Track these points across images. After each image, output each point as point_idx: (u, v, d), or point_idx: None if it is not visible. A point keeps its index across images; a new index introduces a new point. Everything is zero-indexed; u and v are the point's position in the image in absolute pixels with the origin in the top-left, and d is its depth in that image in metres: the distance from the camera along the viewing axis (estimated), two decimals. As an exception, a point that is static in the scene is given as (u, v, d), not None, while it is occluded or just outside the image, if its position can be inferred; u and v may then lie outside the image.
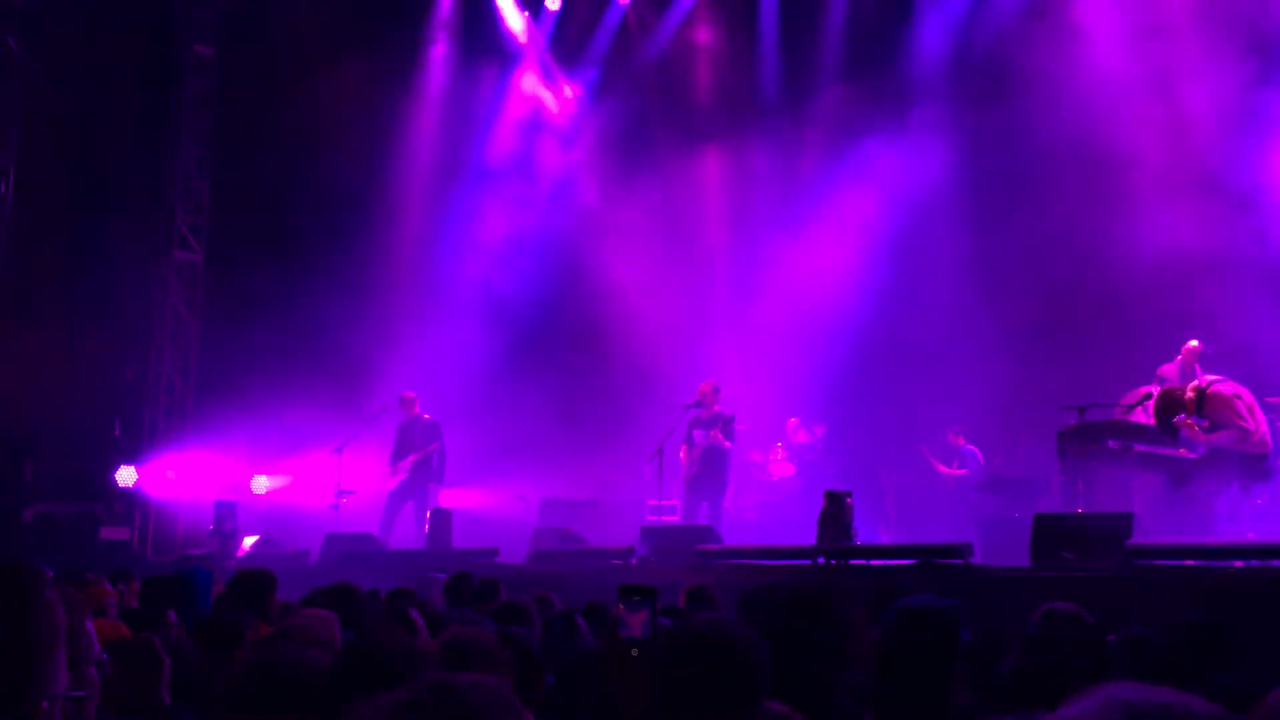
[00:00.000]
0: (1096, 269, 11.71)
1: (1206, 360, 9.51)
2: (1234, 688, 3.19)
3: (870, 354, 13.07)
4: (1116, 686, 1.32)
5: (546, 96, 16.52)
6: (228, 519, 12.39)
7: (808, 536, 7.93)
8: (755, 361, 13.30)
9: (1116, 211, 11.37)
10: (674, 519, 11.36)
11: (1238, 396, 8.25)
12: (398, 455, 12.21)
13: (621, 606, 2.54)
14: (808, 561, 7.71)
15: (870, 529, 11.13)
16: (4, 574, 2.02)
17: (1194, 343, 9.77)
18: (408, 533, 11.91)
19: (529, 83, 16.48)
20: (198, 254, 15.49)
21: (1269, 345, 9.75)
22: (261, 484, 14.23)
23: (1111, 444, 8.47)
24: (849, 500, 7.84)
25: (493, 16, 16.31)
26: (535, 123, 16.38)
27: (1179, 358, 9.81)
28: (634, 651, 2.54)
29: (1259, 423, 8.30)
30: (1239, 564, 6.01)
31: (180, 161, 15.39)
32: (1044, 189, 12.26)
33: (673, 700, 2.28)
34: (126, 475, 14.15)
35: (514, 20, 16.36)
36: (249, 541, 11.86)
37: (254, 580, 5.14)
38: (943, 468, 12.58)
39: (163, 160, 15.37)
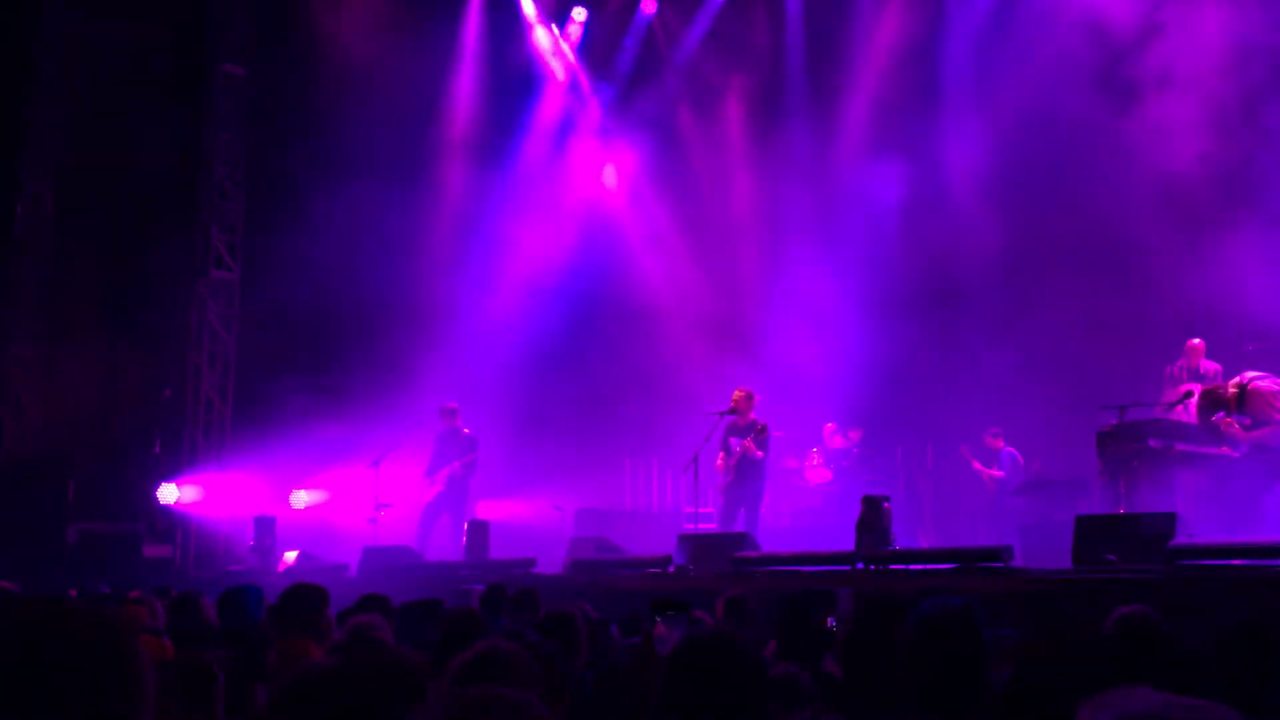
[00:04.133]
0: (1135, 268, 11.61)
1: (1250, 357, 9.46)
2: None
3: (906, 357, 13.00)
4: (1131, 695, 1.25)
5: (575, 109, 16.58)
6: (267, 534, 12.49)
7: (846, 542, 7.89)
8: (790, 367, 13.26)
9: (1154, 209, 11.27)
10: (711, 527, 11.34)
11: (1278, 394, 8.14)
12: (434, 467, 12.25)
13: (658, 621, 2.55)
14: (846, 568, 7.66)
15: (909, 534, 11.06)
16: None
17: (1196, 340, 9.83)
18: (444, 545, 11.96)
19: (557, 99, 16.55)
20: (233, 272, 15.64)
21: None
22: (300, 499, 14.34)
23: (1153, 443, 8.37)
24: (887, 505, 7.80)
25: (521, 32, 16.41)
26: (565, 134, 16.44)
27: (1182, 357, 9.89)
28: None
29: (1302, 419, 8.18)
30: (1286, 563, 5.92)
31: (214, 180, 15.56)
32: (1083, 186, 12.16)
33: (678, 709, 2.29)
34: (168, 493, 14.30)
35: (542, 36, 16.47)
36: (290, 556, 11.94)
37: (306, 596, 5.01)
38: (982, 468, 12.49)
39: (198, 180, 15.54)
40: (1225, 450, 8.37)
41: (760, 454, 10.62)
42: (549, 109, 16.50)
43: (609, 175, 16.42)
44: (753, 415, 10.81)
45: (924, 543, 11.81)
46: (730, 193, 15.63)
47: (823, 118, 14.90)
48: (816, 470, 13.20)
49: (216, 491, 14.42)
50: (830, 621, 3.93)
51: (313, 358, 15.48)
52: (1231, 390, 8.30)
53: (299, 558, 11.82)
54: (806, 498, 13.19)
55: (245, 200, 15.69)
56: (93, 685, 1.54)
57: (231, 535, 14.10)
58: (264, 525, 12.60)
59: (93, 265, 15.11)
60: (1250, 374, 8.42)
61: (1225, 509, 7.98)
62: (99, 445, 14.65)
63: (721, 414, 10.80)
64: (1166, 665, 3.52)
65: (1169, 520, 6.51)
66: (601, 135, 16.41)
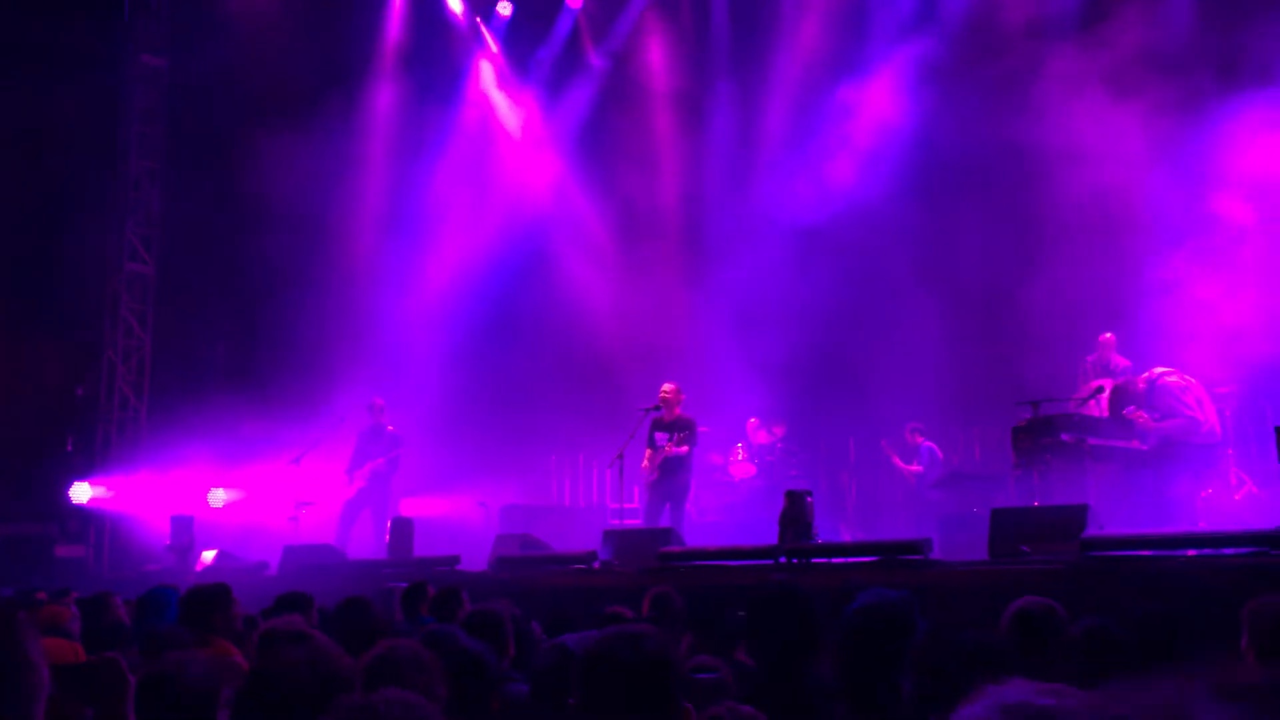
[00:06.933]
0: (1044, 267, 11.85)
1: (1125, 350, 9.92)
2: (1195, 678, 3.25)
3: (828, 353, 13.16)
4: (1005, 688, 1.31)
5: (500, 104, 16.49)
6: (184, 534, 12.25)
7: (769, 537, 7.97)
8: (714, 362, 13.34)
9: (1069, 206, 11.52)
10: (636, 523, 11.35)
11: (1186, 389, 8.43)
12: (356, 463, 12.14)
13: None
14: (770, 562, 7.74)
15: (831, 528, 11.21)
16: None
17: (1108, 335, 10.26)
18: (367, 542, 11.84)
19: (482, 92, 16.45)
20: (149, 266, 15.31)
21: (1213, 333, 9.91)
22: (218, 497, 14.09)
23: (1065, 438, 8.59)
24: (809, 500, 7.88)
25: (446, 27, 16.28)
26: (490, 131, 16.34)
27: (1097, 350, 10.28)
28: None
29: (1208, 414, 8.48)
30: (1191, 553, 6.11)
31: (130, 173, 15.20)
32: (1000, 183, 12.38)
33: (594, 708, 2.32)
34: (80, 492, 13.95)
35: (465, 25, 16.36)
36: (208, 556, 11.73)
37: (206, 596, 4.98)
38: (901, 463, 12.69)
39: (114, 172, 15.18)
40: (1134, 444, 8.63)
41: (684, 448, 10.59)
42: (473, 104, 16.39)
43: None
44: (679, 411, 10.79)
45: (846, 536, 11.97)
46: (655, 190, 15.66)
47: (746, 115, 15.00)
48: (741, 465, 13.30)
49: (131, 490, 14.11)
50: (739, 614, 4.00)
51: (232, 353, 15.23)
52: (1141, 385, 8.59)
53: (218, 557, 11.61)
54: (731, 493, 13.28)
55: (162, 193, 15.35)
56: None
57: (148, 535, 13.80)
58: (181, 524, 12.35)
59: (6, 259, 14.68)
60: (1159, 369, 8.71)
61: (1134, 501, 8.22)
62: (9, 443, 14.25)
63: (648, 410, 10.78)
64: (1064, 653, 3.64)
65: (1081, 512, 6.69)
66: (525, 131, 16.34)
